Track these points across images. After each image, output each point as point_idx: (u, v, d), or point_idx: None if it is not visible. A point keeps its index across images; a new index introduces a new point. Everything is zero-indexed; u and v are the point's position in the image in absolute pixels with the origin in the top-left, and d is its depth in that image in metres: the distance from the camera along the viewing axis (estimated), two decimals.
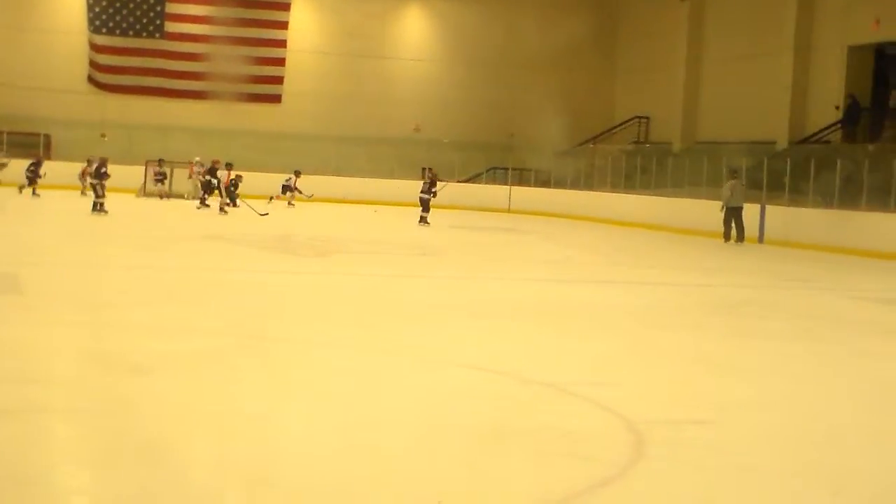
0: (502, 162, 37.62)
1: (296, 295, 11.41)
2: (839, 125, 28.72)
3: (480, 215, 30.32)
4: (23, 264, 12.72)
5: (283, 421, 5.80)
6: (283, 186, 31.93)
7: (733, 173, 24.52)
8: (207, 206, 27.69)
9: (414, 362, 7.71)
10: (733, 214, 23.67)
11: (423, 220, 25.65)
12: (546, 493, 4.66)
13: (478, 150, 37.73)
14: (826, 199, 23.95)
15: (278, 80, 38.77)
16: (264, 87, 38.56)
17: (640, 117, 38.57)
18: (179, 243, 17.44)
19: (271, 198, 30.73)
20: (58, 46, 36.84)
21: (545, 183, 37.22)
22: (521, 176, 37.28)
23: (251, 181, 28.77)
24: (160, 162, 32.24)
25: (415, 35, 40.35)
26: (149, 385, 6.46)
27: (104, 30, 37.16)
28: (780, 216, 24.13)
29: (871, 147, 26.16)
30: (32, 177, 28.81)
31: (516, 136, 37.10)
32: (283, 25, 38.83)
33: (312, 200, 31.10)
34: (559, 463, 5.18)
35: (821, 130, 29.15)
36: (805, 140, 29.40)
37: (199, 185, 32.59)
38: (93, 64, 37.41)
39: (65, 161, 32.01)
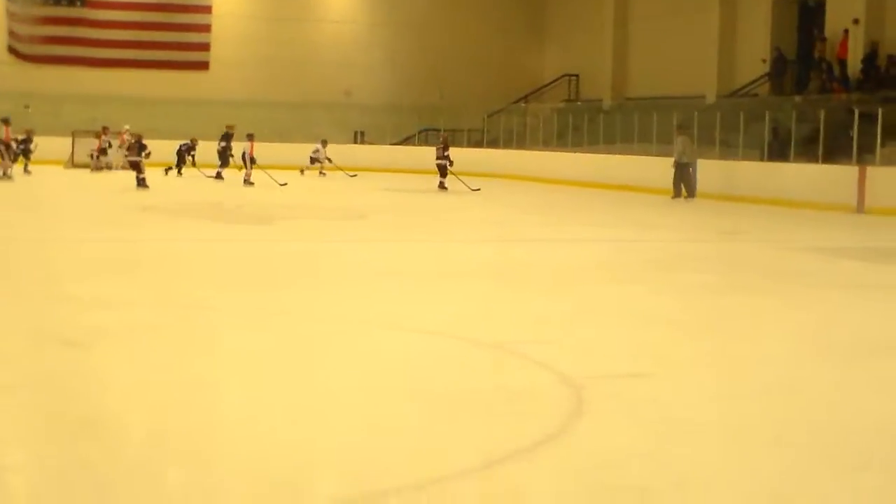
0: (434, 123, 37.51)
1: (237, 264, 11.30)
2: (766, 78, 29.08)
3: (415, 177, 30.16)
4: None
5: (226, 390, 5.75)
6: (311, 158, 31.70)
7: (680, 129, 24.29)
8: (222, 178, 27.31)
9: (358, 328, 7.68)
10: (681, 170, 23.41)
11: (441, 185, 25.39)
12: (491, 452, 4.68)
13: (409, 112, 37.57)
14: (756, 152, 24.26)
15: (205, 47, 38.15)
16: (191, 55, 37.94)
17: (569, 75, 38.65)
18: (118, 214, 17.19)
19: (302, 170, 30.95)
20: None
21: (478, 143, 37.23)
22: (454, 137, 37.23)
23: (267, 152, 27.86)
24: (104, 130, 31.62)
25: None
26: (84, 358, 6.37)
27: None
28: (713, 170, 24.27)
29: (797, 98, 26.55)
30: (24, 152, 28.23)
31: (447, 96, 37.00)
32: None
33: (354, 176, 30.76)
34: (503, 422, 5.21)
35: (749, 83, 29.50)
36: (734, 94, 29.74)
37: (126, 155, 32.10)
38: (12, 34, 36.50)
39: None
